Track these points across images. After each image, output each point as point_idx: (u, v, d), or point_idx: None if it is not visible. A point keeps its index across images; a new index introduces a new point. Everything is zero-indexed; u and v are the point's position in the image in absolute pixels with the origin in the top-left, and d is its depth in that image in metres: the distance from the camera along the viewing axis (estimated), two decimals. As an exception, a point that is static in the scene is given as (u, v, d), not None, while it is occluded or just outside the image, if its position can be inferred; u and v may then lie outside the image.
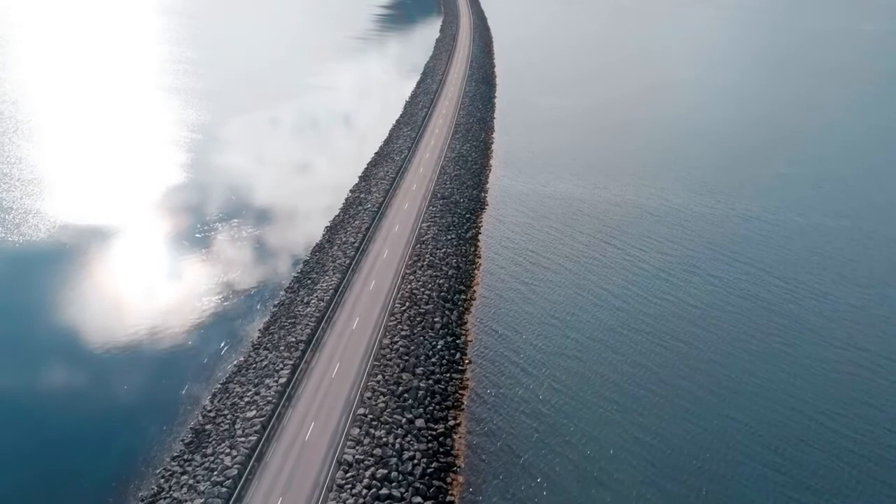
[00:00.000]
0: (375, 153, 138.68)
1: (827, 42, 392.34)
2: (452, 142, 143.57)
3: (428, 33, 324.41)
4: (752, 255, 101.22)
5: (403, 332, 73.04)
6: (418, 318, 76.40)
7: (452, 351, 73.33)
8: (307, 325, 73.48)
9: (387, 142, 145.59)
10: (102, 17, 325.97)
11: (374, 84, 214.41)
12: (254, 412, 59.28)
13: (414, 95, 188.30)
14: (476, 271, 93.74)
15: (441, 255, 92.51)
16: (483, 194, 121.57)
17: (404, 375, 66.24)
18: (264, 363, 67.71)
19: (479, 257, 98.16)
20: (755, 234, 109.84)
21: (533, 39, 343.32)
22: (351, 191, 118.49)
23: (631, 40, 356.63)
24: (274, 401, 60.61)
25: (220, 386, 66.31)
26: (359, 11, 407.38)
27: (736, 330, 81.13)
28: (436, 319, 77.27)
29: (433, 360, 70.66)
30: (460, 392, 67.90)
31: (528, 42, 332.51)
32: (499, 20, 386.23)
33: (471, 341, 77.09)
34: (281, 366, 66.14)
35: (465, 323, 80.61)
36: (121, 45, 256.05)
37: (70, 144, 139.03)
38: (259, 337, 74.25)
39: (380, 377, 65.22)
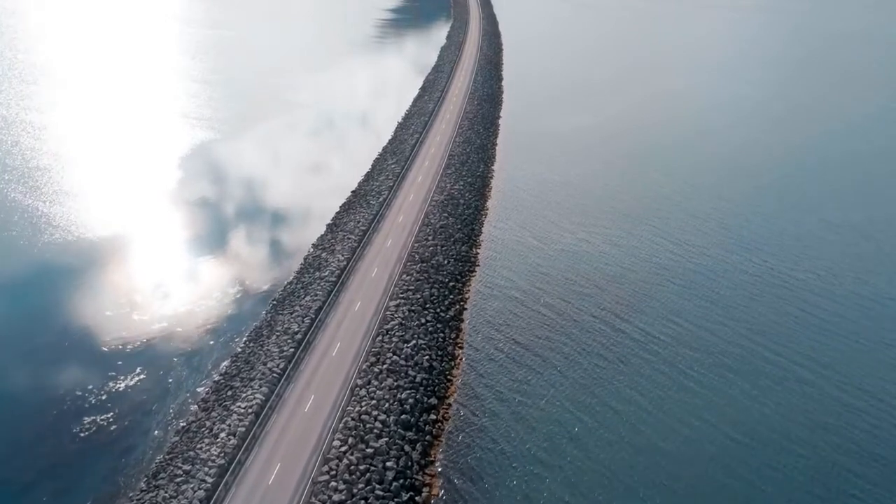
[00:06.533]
0: (352, 192, 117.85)
1: (864, 48, 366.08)
2: (443, 179, 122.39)
3: (434, 40, 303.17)
4: (806, 351, 78.98)
5: (338, 496, 52.04)
6: (363, 466, 55.42)
7: (406, 520, 52.40)
8: (204, 479, 52.76)
9: (367, 178, 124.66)
10: (105, 27, 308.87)
11: (365, 102, 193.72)
12: None
13: (407, 117, 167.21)
14: (455, 371, 72.60)
15: (409, 350, 71.39)
16: (474, 251, 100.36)
17: (325, 582, 45.36)
18: (129, 552, 47.13)
19: (461, 347, 77.01)
20: (808, 314, 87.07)
21: (547, 47, 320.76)
22: (314, 245, 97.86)
23: (655, 46, 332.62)
24: None
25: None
26: (363, 15, 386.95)
27: (801, 480, 59.42)
28: (388, 465, 56.22)
29: (376, 540, 49.78)
30: None
31: (541, 50, 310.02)
32: (511, 25, 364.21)
33: (436, 496, 56.10)
34: (146, 565, 45.51)
35: (432, 461, 59.62)
36: (119, 54, 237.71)
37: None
38: (140, 494, 53.58)
39: (287, 590, 44.42)
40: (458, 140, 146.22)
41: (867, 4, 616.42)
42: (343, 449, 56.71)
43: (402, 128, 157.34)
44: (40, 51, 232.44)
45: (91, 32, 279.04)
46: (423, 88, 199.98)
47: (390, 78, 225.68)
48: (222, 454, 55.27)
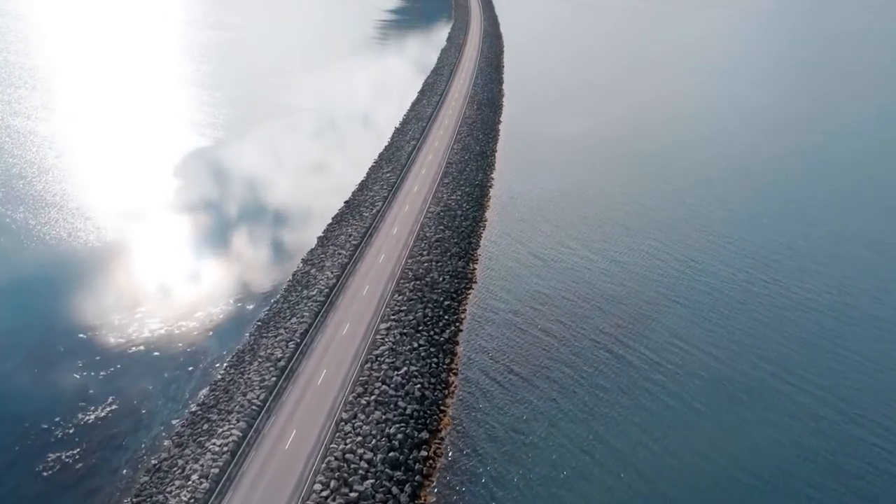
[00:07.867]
0: (345, 203, 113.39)
1: (866, 48, 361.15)
2: (440, 188, 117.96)
3: (434, 41, 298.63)
4: (821, 381, 74.47)
5: (315, 549, 47.77)
6: (345, 514, 51.09)
7: (391, 576, 48.04)
8: (172, 529, 48.47)
9: (361, 187, 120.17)
10: (105, 28, 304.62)
11: (362, 105, 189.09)
12: None
13: (405, 122, 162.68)
14: (448, 401, 68.21)
15: (399, 379, 67.02)
16: (471, 266, 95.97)
17: None
18: None
19: (456, 374, 72.62)
20: (822, 339, 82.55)
21: (549, 48, 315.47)
22: (303, 260, 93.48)
23: (656, 47, 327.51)
24: None
25: None
26: (363, 16, 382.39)
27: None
28: (373, 511, 51.94)
29: None
30: None
31: (543, 51, 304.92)
32: (512, 26, 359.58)
33: (424, 545, 51.78)
34: None
35: (421, 505, 55.25)
36: (119, 56, 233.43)
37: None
38: (103, 542, 49.39)
39: None
40: (457, 147, 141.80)
41: (867, 4, 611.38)
42: (324, 494, 52.34)
43: (399, 133, 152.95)
44: (39, 52, 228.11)
45: (90, 33, 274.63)
46: (421, 92, 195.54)
47: (389, 80, 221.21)
48: (192, 500, 50.92)
